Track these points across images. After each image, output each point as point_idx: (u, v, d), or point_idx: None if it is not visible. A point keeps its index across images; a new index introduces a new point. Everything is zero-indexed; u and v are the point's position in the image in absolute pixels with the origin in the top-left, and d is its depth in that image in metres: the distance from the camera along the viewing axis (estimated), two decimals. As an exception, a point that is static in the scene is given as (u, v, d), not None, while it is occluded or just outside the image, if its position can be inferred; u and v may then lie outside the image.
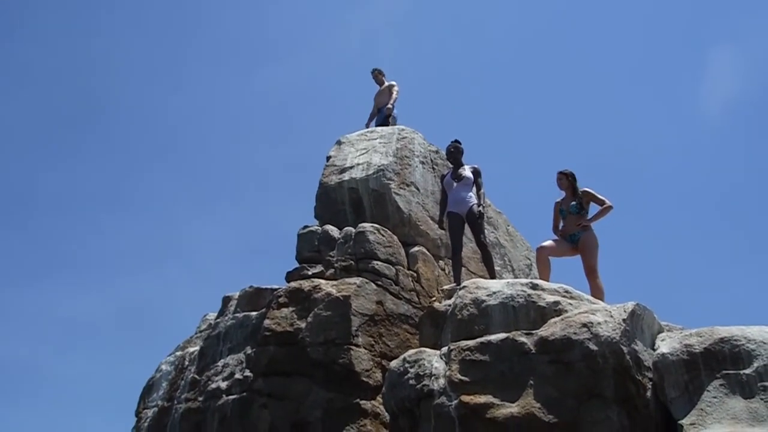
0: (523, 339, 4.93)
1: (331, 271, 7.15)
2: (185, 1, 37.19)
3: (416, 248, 7.74)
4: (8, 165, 33.25)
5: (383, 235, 7.43)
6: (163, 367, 7.80)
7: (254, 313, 7.16)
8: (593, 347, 4.63)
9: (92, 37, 34.98)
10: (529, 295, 5.29)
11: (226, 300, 7.87)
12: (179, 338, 8.42)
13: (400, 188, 8.04)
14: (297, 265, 7.45)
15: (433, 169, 8.83)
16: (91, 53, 34.84)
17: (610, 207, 6.60)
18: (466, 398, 4.77)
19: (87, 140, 35.85)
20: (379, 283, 6.92)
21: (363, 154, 8.44)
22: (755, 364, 4.35)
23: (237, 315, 7.33)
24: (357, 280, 6.80)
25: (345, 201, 8.05)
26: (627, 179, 29.09)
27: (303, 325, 6.49)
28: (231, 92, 36.87)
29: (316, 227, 7.75)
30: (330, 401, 6.04)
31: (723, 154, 30.40)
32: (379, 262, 7.12)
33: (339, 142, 8.93)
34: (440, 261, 8.07)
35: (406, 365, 5.31)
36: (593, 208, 6.72)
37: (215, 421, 6.39)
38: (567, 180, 6.85)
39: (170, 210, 35.27)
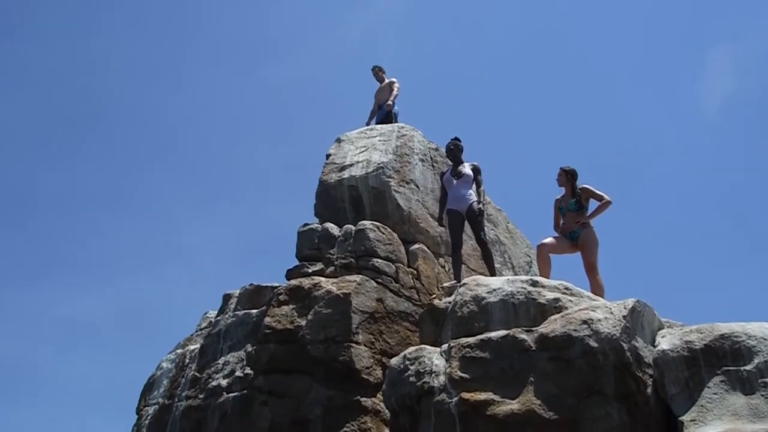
0: (524, 336, 4.93)
1: (332, 268, 7.15)
2: (185, 1, 37.16)
3: (416, 246, 7.74)
4: (8, 165, 33.26)
5: (383, 233, 7.43)
6: (164, 364, 7.81)
7: (254, 311, 7.16)
8: (593, 344, 4.63)
9: (92, 37, 34.95)
10: (529, 292, 5.29)
11: (227, 298, 7.87)
12: (180, 336, 8.45)
13: (400, 186, 8.03)
14: (297, 262, 7.46)
15: (433, 166, 8.83)
16: (91, 53, 34.81)
17: (609, 202, 6.60)
18: (466, 395, 4.78)
19: (87, 140, 35.85)
20: (380, 280, 6.92)
21: (363, 151, 8.44)
22: (756, 361, 4.35)
23: (237, 313, 7.34)
24: (357, 277, 6.80)
25: (345, 199, 8.05)
26: (627, 179, 29.08)
27: (303, 322, 6.50)
28: (231, 91, 36.83)
29: (316, 225, 7.75)
30: (330, 399, 6.04)
31: (722, 154, 30.41)
32: (379, 260, 7.12)
33: (339, 140, 8.92)
34: (440, 258, 8.07)
35: (407, 362, 5.31)
36: (593, 205, 6.72)
37: (216, 419, 6.40)
38: (566, 177, 6.85)
39: (170, 209, 35.27)
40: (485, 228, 7.44)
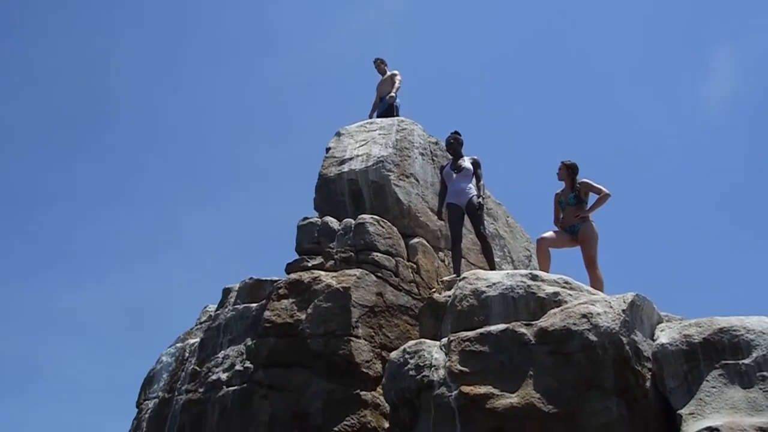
0: (523, 330, 4.94)
1: (331, 262, 7.15)
2: (185, -1, 37.04)
3: (416, 240, 7.73)
4: (9, 160, 33.26)
5: (383, 227, 7.43)
6: (164, 358, 7.82)
7: (254, 305, 7.17)
8: (593, 338, 4.64)
9: (92, 35, 34.92)
10: (528, 286, 5.29)
11: (226, 291, 7.88)
12: (179, 330, 8.46)
13: (400, 180, 8.02)
14: (297, 256, 7.46)
15: (433, 160, 8.81)
16: (90, 50, 34.77)
17: (608, 195, 6.60)
18: (466, 389, 4.78)
19: (86, 135, 35.82)
20: (379, 274, 6.92)
21: (362, 145, 8.42)
22: (754, 354, 4.36)
23: (237, 306, 7.34)
24: (357, 271, 6.80)
25: (344, 192, 8.04)
26: (627, 177, 29.09)
27: (303, 316, 6.50)
28: (230, 87, 36.81)
29: (316, 219, 7.75)
30: (330, 392, 6.05)
31: (722, 154, 30.42)
32: (379, 254, 7.12)
33: (338, 134, 8.91)
34: (440, 252, 8.07)
35: (406, 356, 5.32)
36: (592, 199, 6.72)
37: (216, 413, 6.41)
38: (566, 171, 6.84)
39: (170, 203, 35.31)
40: (485, 222, 7.45)
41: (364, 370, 6.16)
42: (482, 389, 4.75)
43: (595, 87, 33.45)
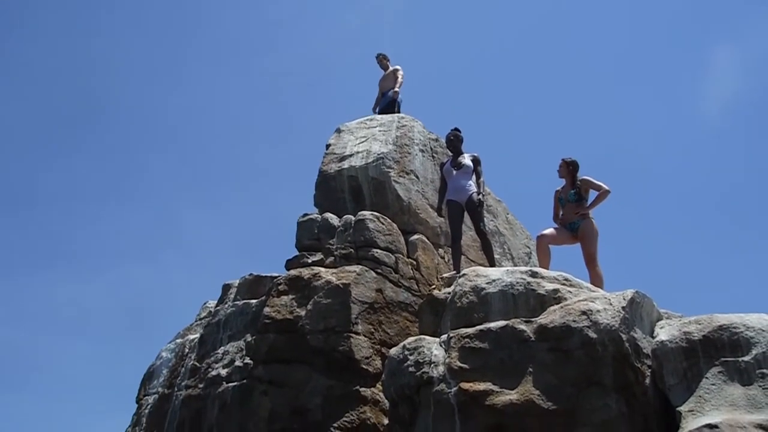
0: (523, 327, 4.94)
1: (331, 259, 7.15)
2: (185, -4, 36.98)
3: (416, 236, 7.73)
4: (10, 159, 33.26)
5: (383, 223, 7.42)
6: (164, 354, 7.83)
7: (254, 301, 7.17)
8: (592, 335, 4.64)
9: (92, 33, 34.92)
10: (528, 282, 5.29)
11: (226, 288, 7.88)
12: (179, 326, 8.46)
13: (400, 176, 8.02)
14: (297, 253, 7.46)
15: (433, 157, 8.81)
16: (90, 48, 34.76)
17: (608, 191, 6.60)
18: (465, 385, 4.78)
19: (86, 133, 35.85)
20: (379, 271, 6.92)
21: (362, 142, 8.41)
22: (754, 352, 4.35)
23: (237, 303, 7.35)
24: (357, 268, 6.80)
25: (344, 189, 8.04)
26: (627, 177, 29.11)
27: (303, 312, 6.50)
28: (229, 84, 36.79)
29: (316, 215, 7.74)
30: (330, 388, 6.06)
31: (723, 154, 30.42)
32: (379, 250, 7.12)
33: (338, 130, 8.90)
34: (440, 249, 8.07)
35: (406, 353, 5.32)
36: (592, 196, 6.71)
37: (215, 408, 6.42)
38: (567, 168, 6.84)
39: (170, 200, 35.33)
40: (485, 219, 7.44)
41: (364, 366, 6.17)
42: (482, 386, 4.75)
43: (595, 86, 33.48)
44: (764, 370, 4.25)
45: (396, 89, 10.07)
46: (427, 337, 5.44)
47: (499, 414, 4.61)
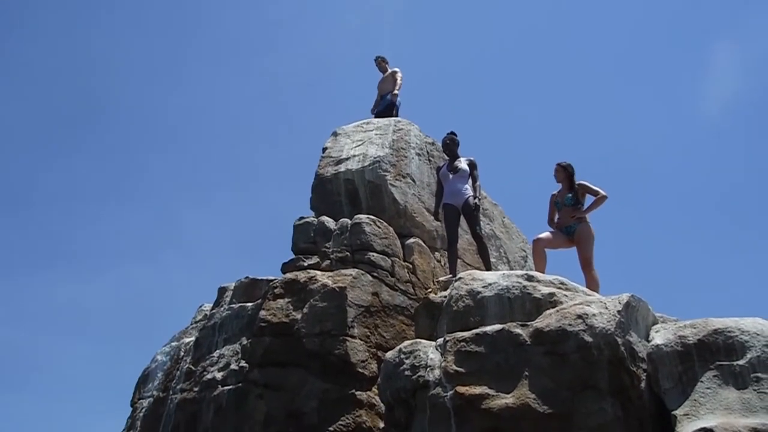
0: (519, 330, 4.94)
1: (327, 262, 7.14)
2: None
3: (412, 240, 7.74)
4: (10, 159, 33.20)
5: (379, 227, 7.43)
6: (159, 357, 7.81)
7: (250, 304, 7.16)
8: (588, 339, 4.64)
9: (92, 31, 34.89)
10: (524, 286, 5.30)
11: (222, 291, 7.86)
12: (180, 326, 8.44)
13: (396, 180, 8.03)
14: (293, 256, 7.45)
15: (429, 160, 8.82)
16: (90, 48, 34.75)
17: (605, 197, 6.62)
18: (461, 389, 4.78)
19: (86, 134, 35.81)
20: (375, 274, 6.92)
21: (359, 145, 8.42)
22: (748, 356, 4.37)
23: (233, 306, 7.33)
24: (353, 271, 6.80)
25: (341, 192, 8.04)
26: (626, 177, 29.19)
27: (299, 316, 6.50)
28: (229, 84, 36.80)
29: (312, 218, 7.74)
30: (326, 392, 6.05)
31: (722, 154, 30.52)
32: (375, 254, 7.12)
33: (335, 134, 8.90)
34: (436, 252, 8.08)
35: (402, 356, 5.31)
36: (589, 200, 6.74)
37: (211, 412, 6.40)
38: (564, 172, 6.87)
39: (169, 201, 35.29)
40: (481, 222, 7.45)
41: (360, 369, 6.16)
42: (477, 390, 4.75)
43: (595, 86, 33.58)
44: (759, 374, 4.27)
45: (395, 92, 10.09)
46: (423, 341, 5.44)
47: (495, 418, 4.60)
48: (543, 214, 7.08)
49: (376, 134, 8.59)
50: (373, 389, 6.02)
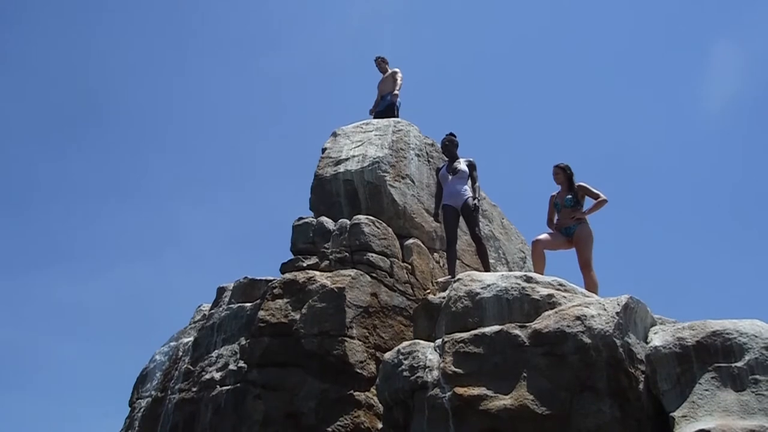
0: (517, 331, 4.95)
1: (326, 262, 7.14)
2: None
3: (411, 240, 7.74)
4: (9, 157, 33.20)
5: (378, 228, 7.43)
6: (157, 357, 7.79)
7: (248, 304, 7.16)
8: (586, 340, 4.65)
9: (91, 33, 34.92)
10: (523, 287, 5.31)
11: (221, 291, 7.86)
12: (175, 328, 8.43)
13: (396, 181, 8.03)
14: (292, 256, 7.45)
15: (429, 161, 8.82)
16: (90, 49, 34.79)
17: (605, 201, 6.64)
18: (459, 390, 4.79)
19: (86, 131, 35.81)
20: (374, 275, 6.92)
21: (358, 146, 8.43)
22: (746, 357, 4.38)
23: (231, 306, 7.33)
24: (352, 272, 6.80)
25: (340, 193, 8.05)
26: (627, 177, 29.21)
27: (297, 316, 6.50)
28: (229, 83, 36.81)
29: (311, 219, 7.74)
30: (324, 392, 6.05)
31: (723, 153, 30.52)
32: (374, 254, 7.13)
33: (334, 134, 8.91)
34: (435, 253, 8.08)
35: (400, 357, 5.32)
36: (588, 202, 6.75)
37: (209, 412, 6.40)
38: (563, 174, 6.88)
39: (167, 200, 35.28)
40: (480, 223, 7.46)
41: (358, 370, 6.16)
42: (476, 390, 4.75)
43: (595, 86, 33.62)
44: (757, 376, 4.28)
45: (395, 92, 10.10)
46: (421, 342, 5.44)
47: (493, 419, 4.61)
48: (542, 215, 7.10)
49: (376, 135, 8.60)
50: (372, 390, 6.02)
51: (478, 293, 5.41)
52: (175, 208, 35.01)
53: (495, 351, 4.92)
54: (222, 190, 35.78)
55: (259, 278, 7.52)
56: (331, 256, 7.17)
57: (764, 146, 28.76)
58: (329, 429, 5.82)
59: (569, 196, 6.76)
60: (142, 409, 7.34)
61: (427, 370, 5.06)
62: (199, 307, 8.53)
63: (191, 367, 7.03)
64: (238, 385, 6.36)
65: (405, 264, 7.44)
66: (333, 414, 5.90)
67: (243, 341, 6.70)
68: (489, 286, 5.44)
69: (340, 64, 36.84)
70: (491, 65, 35.50)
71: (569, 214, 6.71)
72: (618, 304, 4.89)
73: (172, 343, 7.90)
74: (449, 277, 6.72)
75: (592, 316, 4.77)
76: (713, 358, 4.47)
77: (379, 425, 5.81)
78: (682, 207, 30.38)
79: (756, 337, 4.45)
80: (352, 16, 35.46)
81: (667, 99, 31.92)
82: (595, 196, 6.67)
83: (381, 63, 10.69)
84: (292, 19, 36.10)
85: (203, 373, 6.78)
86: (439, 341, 5.27)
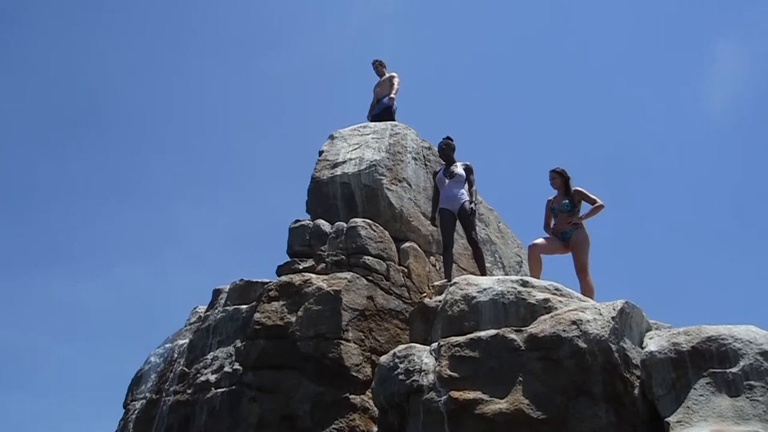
0: (513, 336, 4.95)
1: (322, 265, 7.14)
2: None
3: (407, 244, 7.74)
4: (9, 157, 33.13)
5: (375, 231, 7.43)
6: (152, 359, 7.77)
7: (244, 307, 7.15)
8: (582, 344, 4.66)
9: (91, 32, 34.87)
10: (519, 292, 5.31)
11: (217, 293, 7.85)
12: (173, 329, 8.40)
13: (393, 184, 8.03)
14: (288, 259, 7.44)
15: (426, 165, 8.83)
16: (90, 49, 34.74)
17: (601, 206, 6.64)
18: (455, 394, 4.79)
19: (85, 131, 35.76)
20: (370, 278, 6.92)
21: (355, 149, 8.43)
22: (741, 363, 4.39)
23: (227, 308, 7.32)
24: (348, 274, 6.80)
25: (337, 196, 8.05)
26: (627, 177, 29.25)
27: (293, 319, 6.49)
28: (228, 84, 36.81)
29: (308, 222, 7.74)
30: (319, 395, 6.04)
31: (725, 153, 30.58)
32: (370, 258, 7.12)
33: (332, 137, 8.91)
34: (431, 257, 8.09)
35: (396, 360, 5.31)
36: (585, 207, 6.76)
37: (204, 414, 6.38)
38: (560, 178, 6.89)
39: (166, 200, 35.23)
40: (477, 227, 7.47)
41: (354, 373, 6.15)
42: (471, 394, 4.76)
43: (596, 86, 33.68)
44: (752, 382, 4.29)
45: (392, 96, 10.10)
46: (417, 345, 5.44)
47: (488, 423, 4.61)
48: (539, 219, 7.11)
49: (373, 138, 8.60)
50: (367, 393, 6.01)
51: (474, 297, 5.42)
52: (175, 208, 34.99)
53: (491, 355, 4.92)
54: (221, 191, 35.78)
55: (255, 280, 7.51)
56: (327, 259, 7.17)
57: (766, 147, 28.83)
58: (324, 432, 5.81)
59: (566, 201, 6.77)
60: (136, 411, 7.32)
61: (422, 373, 5.06)
62: (195, 309, 8.51)
63: (186, 369, 7.01)
64: (233, 387, 6.34)
65: (401, 267, 7.44)
66: (328, 417, 5.89)
67: (238, 343, 6.69)
68: (485, 290, 5.44)
69: (340, 64, 36.91)
70: (491, 66, 35.58)
71: (566, 219, 6.72)
72: (614, 309, 4.90)
73: (167, 345, 7.88)
74: (445, 280, 6.73)
75: (588, 321, 4.78)
76: (708, 363, 4.48)
77: (375, 428, 5.81)
78: (682, 208, 30.46)
79: (751, 342, 4.47)
80: (352, 16, 35.52)
81: (668, 99, 32.01)
82: (592, 201, 6.68)
83: (378, 66, 10.70)
84: (291, 20, 36.14)
85: (198, 375, 6.76)
86: (435, 345, 5.27)
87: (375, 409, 5.76)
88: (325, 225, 7.57)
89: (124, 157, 35.38)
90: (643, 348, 4.88)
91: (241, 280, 7.62)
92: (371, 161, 8.06)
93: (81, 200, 34.82)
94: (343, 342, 6.29)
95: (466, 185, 7.26)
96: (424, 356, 5.22)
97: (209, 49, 36.35)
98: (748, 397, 4.24)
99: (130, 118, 35.44)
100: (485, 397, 4.72)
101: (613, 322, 4.76)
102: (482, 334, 5.08)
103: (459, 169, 7.31)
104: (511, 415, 4.58)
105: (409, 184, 8.30)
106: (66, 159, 34.94)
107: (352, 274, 6.83)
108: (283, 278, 6.92)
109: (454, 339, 5.16)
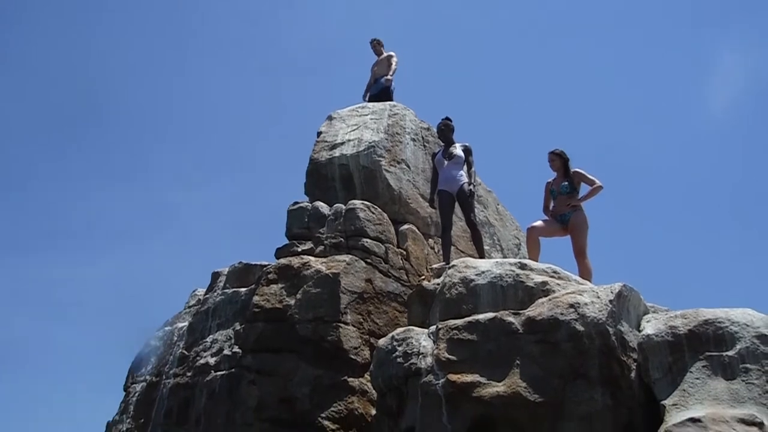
0: (511, 319, 4.96)
1: (321, 248, 7.13)
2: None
3: (406, 226, 7.73)
4: (4, 141, 33.01)
5: (373, 213, 7.41)
6: (152, 342, 7.81)
7: (243, 290, 7.16)
8: (580, 328, 4.66)
9: (92, 28, 34.57)
10: (517, 274, 5.31)
11: (215, 276, 7.85)
12: (171, 312, 8.43)
13: (391, 165, 7.99)
14: (287, 241, 7.43)
15: (425, 146, 8.78)
16: (90, 36, 34.43)
17: (600, 187, 6.61)
18: (453, 377, 4.80)
19: (82, 116, 35.55)
20: (369, 260, 6.92)
21: (354, 130, 8.36)
22: (738, 346, 4.40)
23: (226, 291, 7.33)
24: (346, 257, 6.80)
25: (335, 177, 8.00)
26: (627, 173, 29.19)
27: (292, 301, 6.50)
28: (225, 68, 36.51)
29: (306, 204, 7.71)
30: (318, 378, 6.07)
31: (725, 153, 30.54)
32: (369, 240, 7.11)
33: (330, 118, 8.83)
34: (430, 239, 8.07)
35: (394, 343, 5.33)
36: (584, 189, 6.72)
37: (203, 397, 6.43)
38: (559, 160, 6.84)
39: (163, 184, 35.14)
40: (475, 209, 7.44)
41: (352, 356, 6.18)
42: (469, 377, 4.77)
43: (597, 85, 33.47)
44: (747, 365, 4.30)
45: (389, 76, 10.00)
46: (415, 328, 5.46)
47: (486, 406, 4.63)
48: (537, 201, 7.08)
49: (371, 119, 8.53)
50: (366, 376, 6.04)
51: (472, 280, 5.41)
52: (171, 191, 34.90)
53: (489, 338, 4.93)
54: (217, 174, 35.68)
55: (253, 263, 7.52)
56: (326, 242, 7.16)
57: (766, 148, 28.80)
58: (323, 415, 5.86)
59: (565, 183, 6.73)
60: (136, 394, 7.38)
61: (420, 356, 5.08)
62: (194, 291, 8.53)
63: (186, 352, 7.05)
64: (233, 370, 6.38)
65: (400, 250, 7.44)
66: (327, 400, 5.94)
67: (237, 326, 6.71)
68: (483, 272, 5.43)
69: (336, 48, 36.58)
70: (492, 47, 35.24)
71: (565, 201, 6.69)
72: (611, 292, 4.90)
73: (166, 328, 7.92)
74: (444, 263, 6.72)
75: (586, 304, 4.78)
76: (705, 346, 4.49)
77: (373, 411, 5.85)
78: (683, 206, 30.50)
79: (747, 326, 4.47)
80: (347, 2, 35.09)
81: (669, 101, 31.86)
82: (591, 182, 6.64)
83: (376, 45, 10.58)
84: (287, 5, 35.77)
85: (198, 358, 6.80)
86: (433, 328, 5.29)
87: (373, 391, 5.79)
88: (323, 207, 7.55)
89: (121, 142, 35.27)
90: (640, 331, 4.89)
91: (240, 262, 7.62)
92: (370, 142, 8.01)
93: (77, 184, 34.77)
94: (342, 325, 6.31)
95: (465, 167, 7.21)
96: (422, 339, 5.23)
97: (205, 35, 36.06)
98: (743, 380, 4.26)
99: (127, 104, 35.29)
100: (483, 380, 4.74)
101: (610, 306, 4.76)
102: (480, 317, 5.08)
103: (458, 150, 7.25)
104: (508, 398, 4.60)
105: (408, 166, 8.26)
106: (62, 143, 34.85)
107: (350, 256, 6.82)
108: (282, 261, 6.92)
109: (452, 322, 5.17)
